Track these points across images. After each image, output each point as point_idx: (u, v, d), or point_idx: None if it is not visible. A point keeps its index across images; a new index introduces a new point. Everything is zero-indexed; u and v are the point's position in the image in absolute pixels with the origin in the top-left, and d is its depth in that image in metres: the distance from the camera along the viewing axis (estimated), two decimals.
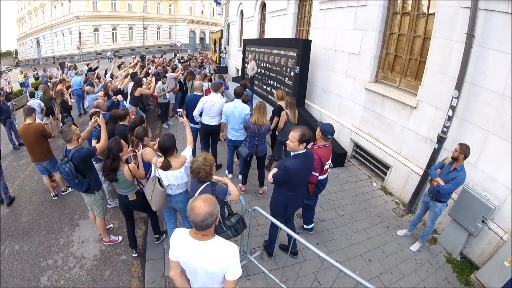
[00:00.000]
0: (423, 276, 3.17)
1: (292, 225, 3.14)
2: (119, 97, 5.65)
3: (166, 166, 2.65)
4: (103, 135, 3.23)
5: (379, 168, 4.99)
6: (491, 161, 3.23)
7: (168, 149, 2.64)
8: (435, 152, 3.71)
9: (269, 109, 5.03)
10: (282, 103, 4.78)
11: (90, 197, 3.20)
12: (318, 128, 3.08)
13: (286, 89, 6.97)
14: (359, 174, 5.27)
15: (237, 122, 4.31)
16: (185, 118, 3.26)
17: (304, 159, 2.61)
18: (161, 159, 2.70)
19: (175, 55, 19.69)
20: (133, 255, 3.34)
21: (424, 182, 3.90)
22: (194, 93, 5.13)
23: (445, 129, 3.57)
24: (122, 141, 2.80)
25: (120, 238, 3.60)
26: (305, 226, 3.66)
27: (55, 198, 4.46)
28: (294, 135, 2.51)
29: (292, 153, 2.66)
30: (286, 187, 2.71)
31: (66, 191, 4.60)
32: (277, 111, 4.71)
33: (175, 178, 2.75)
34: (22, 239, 3.58)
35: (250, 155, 4.11)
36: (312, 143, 2.99)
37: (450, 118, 3.51)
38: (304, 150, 2.58)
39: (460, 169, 3.01)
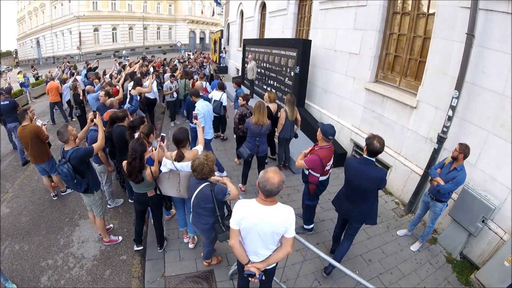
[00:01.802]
0: (423, 276, 3.17)
1: (345, 245, 2.96)
2: (133, 92, 5.67)
3: (180, 157, 2.80)
4: (100, 134, 3.22)
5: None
6: (491, 161, 3.22)
7: (182, 140, 2.84)
8: (435, 152, 3.71)
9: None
10: (272, 106, 4.82)
11: (89, 197, 3.19)
12: (319, 129, 3.07)
13: (286, 89, 6.98)
14: None
15: (211, 120, 4.77)
16: (199, 121, 3.39)
17: (364, 164, 2.56)
18: (175, 152, 2.84)
19: (190, 54, 21.03)
20: (136, 248, 3.35)
21: (424, 182, 3.90)
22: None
23: (445, 129, 3.57)
24: (145, 141, 2.80)
25: (120, 238, 3.60)
26: (305, 226, 3.66)
27: (55, 198, 4.46)
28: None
29: None
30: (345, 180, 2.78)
31: (66, 191, 4.60)
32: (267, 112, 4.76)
33: (188, 168, 2.78)
34: (22, 239, 3.58)
35: (251, 156, 4.11)
36: (318, 145, 3.07)
37: (450, 118, 3.50)
38: (368, 158, 2.54)
39: (460, 169, 3.01)
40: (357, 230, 2.94)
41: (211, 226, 2.55)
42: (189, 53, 24.73)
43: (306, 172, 3.21)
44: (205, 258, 3.04)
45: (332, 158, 3.21)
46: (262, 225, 1.86)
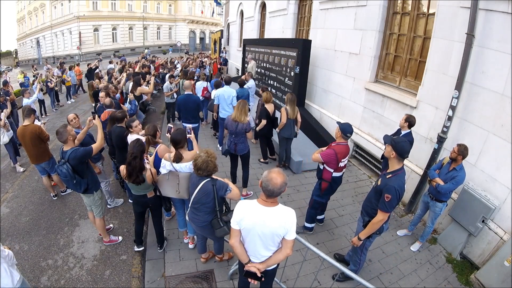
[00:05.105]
0: (423, 276, 3.17)
1: None
2: (131, 96, 5.70)
3: (178, 158, 2.79)
4: (100, 135, 3.22)
5: (379, 168, 4.98)
6: (491, 161, 3.22)
7: (180, 141, 2.82)
8: (435, 152, 3.71)
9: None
10: (269, 106, 4.86)
11: (88, 197, 3.19)
12: (338, 127, 3.12)
13: (286, 89, 6.98)
14: (359, 174, 5.26)
15: (226, 103, 5.34)
16: (193, 135, 3.32)
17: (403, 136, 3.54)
18: (173, 153, 2.83)
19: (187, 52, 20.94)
20: (137, 249, 3.34)
21: (424, 182, 3.90)
22: (185, 92, 5.13)
23: (445, 129, 3.57)
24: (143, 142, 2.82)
25: (120, 238, 3.60)
26: (306, 224, 3.64)
27: (55, 198, 4.46)
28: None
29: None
30: None
31: (66, 191, 4.59)
32: (263, 113, 4.84)
33: (187, 169, 2.80)
34: (22, 239, 3.58)
35: (228, 152, 4.12)
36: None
37: (450, 118, 3.50)
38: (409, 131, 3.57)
39: (459, 168, 3.02)
40: None
41: (208, 223, 2.55)
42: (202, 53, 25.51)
43: (321, 167, 3.23)
44: (217, 252, 3.08)
45: (347, 156, 3.23)
46: (262, 226, 1.85)
